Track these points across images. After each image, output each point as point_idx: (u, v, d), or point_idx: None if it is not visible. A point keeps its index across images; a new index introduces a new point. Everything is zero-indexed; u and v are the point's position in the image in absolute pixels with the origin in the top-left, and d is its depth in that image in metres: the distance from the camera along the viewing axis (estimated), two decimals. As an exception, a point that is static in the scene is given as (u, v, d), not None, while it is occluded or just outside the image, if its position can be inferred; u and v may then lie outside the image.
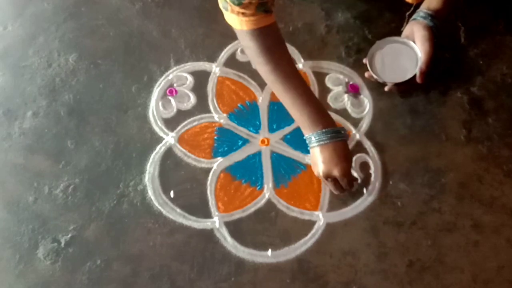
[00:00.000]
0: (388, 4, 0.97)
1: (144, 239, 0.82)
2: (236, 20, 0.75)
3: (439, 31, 0.82)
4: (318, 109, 0.79)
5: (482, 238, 0.80)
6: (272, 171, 0.87)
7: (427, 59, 0.81)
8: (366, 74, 0.86)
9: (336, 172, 0.77)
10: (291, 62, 0.82)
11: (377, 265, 0.79)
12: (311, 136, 0.79)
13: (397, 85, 0.84)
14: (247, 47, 0.80)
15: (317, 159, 0.78)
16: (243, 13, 0.73)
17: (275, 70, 0.78)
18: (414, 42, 0.84)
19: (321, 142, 0.78)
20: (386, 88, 0.85)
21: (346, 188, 0.80)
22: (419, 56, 0.83)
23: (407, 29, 0.85)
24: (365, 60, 0.86)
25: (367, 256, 0.80)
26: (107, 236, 0.83)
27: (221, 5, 0.75)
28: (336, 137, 0.78)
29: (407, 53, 0.84)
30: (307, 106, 0.79)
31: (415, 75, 0.82)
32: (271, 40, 0.78)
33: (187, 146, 0.89)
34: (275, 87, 0.81)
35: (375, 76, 0.84)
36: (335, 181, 0.79)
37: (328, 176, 0.78)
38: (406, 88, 0.85)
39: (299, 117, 0.80)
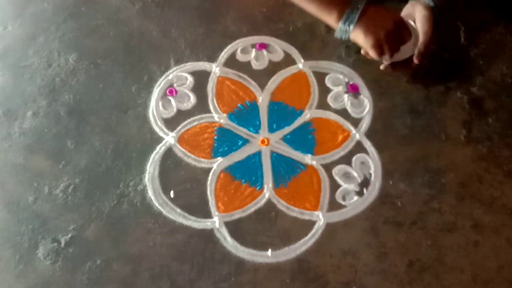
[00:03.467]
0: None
1: (144, 239, 0.82)
2: None
3: (440, 11, 0.81)
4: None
5: (482, 238, 0.80)
6: (272, 171, 0.87)
7: (426, 39, 0.80)
8: (362, 51, 0.85)
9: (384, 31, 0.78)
10: None
11: (377, 265, 0.79)
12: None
13: (393, 64, 0.83)
14: None
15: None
16: None
17: None
18: (414, 22, 0.83)
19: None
20: (381, 67, 0.83)
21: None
22: (418, 36, 0.81)
23: (407, 9, 0.84)
24: None
25: (367, 256, 0.80)
26: (107, 236, 0.83)
27: None
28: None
29: None
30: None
31: (412, 55, 0.81)
32: None
33: (187, 146, 0.89)
34: None
35: (371, 54, 0.83)
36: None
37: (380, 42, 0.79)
38: (402, 68, 0.84)
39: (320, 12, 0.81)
